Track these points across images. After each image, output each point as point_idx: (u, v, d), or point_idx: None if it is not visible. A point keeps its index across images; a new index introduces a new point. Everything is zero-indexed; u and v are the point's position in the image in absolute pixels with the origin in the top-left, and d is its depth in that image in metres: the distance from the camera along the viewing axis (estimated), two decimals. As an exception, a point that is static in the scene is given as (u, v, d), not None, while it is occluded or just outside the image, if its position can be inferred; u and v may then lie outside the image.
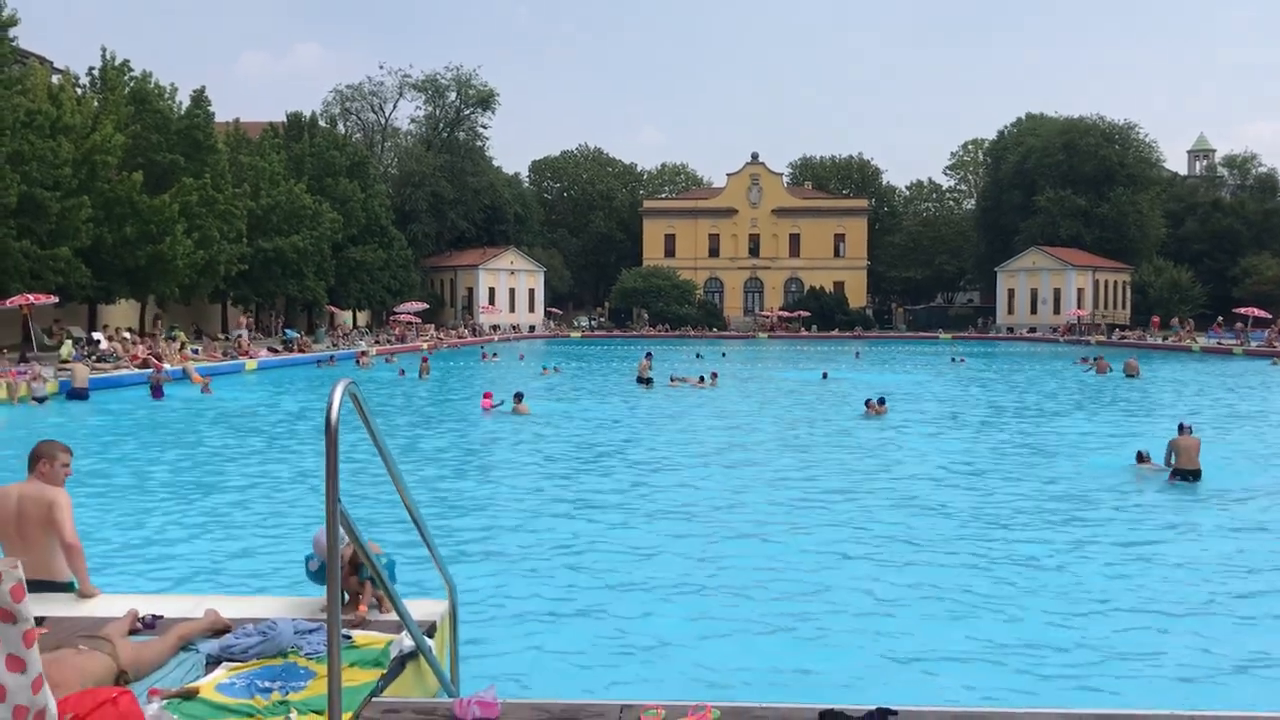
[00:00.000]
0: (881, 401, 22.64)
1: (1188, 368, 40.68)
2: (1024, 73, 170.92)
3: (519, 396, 22.73)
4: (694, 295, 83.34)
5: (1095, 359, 38.33)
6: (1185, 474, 13.71)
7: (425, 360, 35.65)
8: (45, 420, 21.21)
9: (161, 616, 5.51)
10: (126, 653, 4.68)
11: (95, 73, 41.50)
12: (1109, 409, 24.88)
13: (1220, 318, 63.45)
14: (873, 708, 4.24)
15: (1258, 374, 36.27)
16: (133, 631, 5.25)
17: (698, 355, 44.94)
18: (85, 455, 16.19)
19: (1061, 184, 77.37)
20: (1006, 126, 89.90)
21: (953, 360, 44.26)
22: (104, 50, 41.23)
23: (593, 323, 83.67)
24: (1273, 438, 19.56)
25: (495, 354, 47.46)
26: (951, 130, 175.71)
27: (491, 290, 77.37)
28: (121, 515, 11.63)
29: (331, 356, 41.87)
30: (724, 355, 47.86)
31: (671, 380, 30.58)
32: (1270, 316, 57.81)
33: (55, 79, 38.98)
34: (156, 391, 25.93)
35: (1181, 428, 14.43)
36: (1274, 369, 38.86)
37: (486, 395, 24.29)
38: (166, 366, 29.64)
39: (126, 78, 41.39)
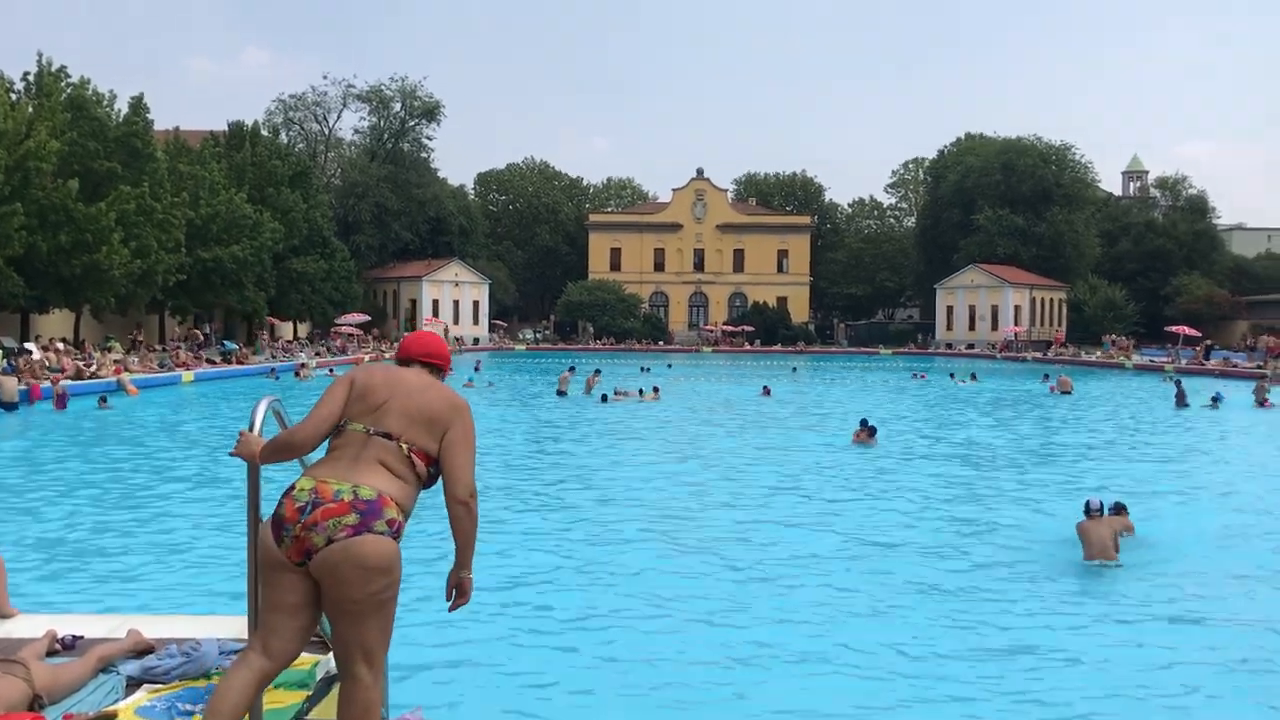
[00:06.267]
0: (868, 429, 20.11)
1: (1116, 385, 41.47)
2: (964, 93, 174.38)
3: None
4: (639, 309, 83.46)
5: (1059, 378, 37.96)
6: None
7: None
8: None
9: (82, 637, 5.38)
10: (42, 676, 4.56)
11: (30, 78, 40.54)
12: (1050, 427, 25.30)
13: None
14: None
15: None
16: (51, 653, 5.13)
17: (643, 369, 44.97)
18: (6, 469, 15.83)
19: (1000, 203, 78.80)
20: (946, 146, 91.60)
21: (913, 376, 44.99)
22: (40, 55, 40.33)
23: (537, 335, 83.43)
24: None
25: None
26: (893, 149, 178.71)
27: (435, 302, 76.86)
28: (41, 531, 11.32)
29: (273, 369, 41.31)
30: (670, 366, 48.67)
31: (615, 394, 30.58)
32: (1200, 334, 59.30)
33: (-13, 84, 38.04)
34: (60, 402, 25.51)
35: (1088, 509, 10.59)
36: (1165, 385, 39.44)
37: None
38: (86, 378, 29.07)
39: (63, 84, 40.46)
